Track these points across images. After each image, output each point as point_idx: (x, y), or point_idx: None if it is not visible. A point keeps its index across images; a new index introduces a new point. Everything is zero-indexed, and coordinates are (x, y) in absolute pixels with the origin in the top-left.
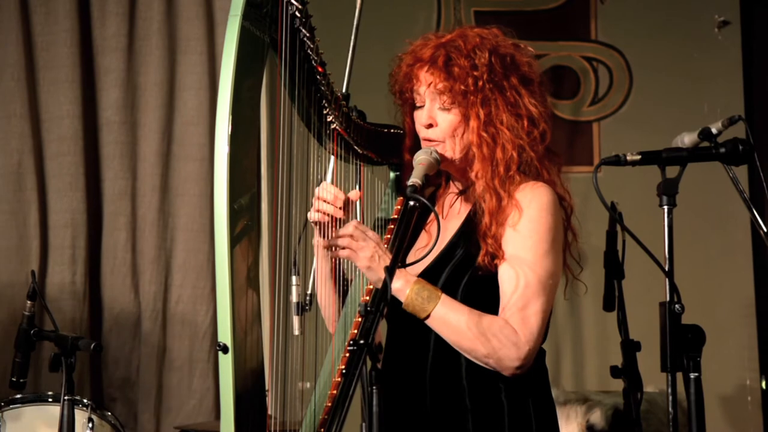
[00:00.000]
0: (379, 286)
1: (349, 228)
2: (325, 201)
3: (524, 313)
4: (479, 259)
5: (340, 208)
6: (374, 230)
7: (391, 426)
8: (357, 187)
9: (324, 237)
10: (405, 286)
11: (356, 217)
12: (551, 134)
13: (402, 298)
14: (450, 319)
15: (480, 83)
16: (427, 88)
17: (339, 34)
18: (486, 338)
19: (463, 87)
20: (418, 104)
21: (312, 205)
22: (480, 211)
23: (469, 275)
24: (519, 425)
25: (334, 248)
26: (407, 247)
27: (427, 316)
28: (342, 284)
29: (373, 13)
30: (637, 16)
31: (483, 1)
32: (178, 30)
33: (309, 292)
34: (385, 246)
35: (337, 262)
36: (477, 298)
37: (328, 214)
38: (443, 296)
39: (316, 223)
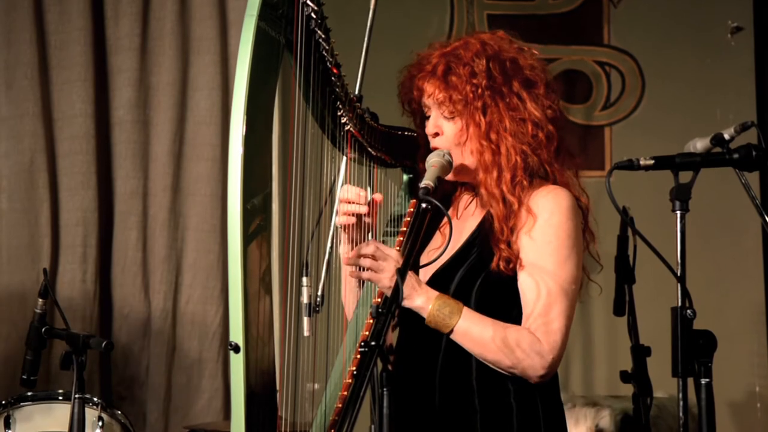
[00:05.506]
0: (404, 304)
1: (370, 248)
2: (349, 202)
3: (547, 322)
4: (493, 264)
5: (364, 206)
6: (385, 233)
7: (399, 425)
8: (369, 189)
9: (351, 242)
10: (426, 303)
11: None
12: (563, 135)
13: (424, 315)
14: (473, 333)
15: (479, 90)
16: (429, 98)
17: (352, 36)
18: (510, 349)
19: (461, 96)
20: (427, 114)
21: (323, 209)
22: (491, 217)
23: (483, 277)
24: (527, 427)
25: (357, 268)
26: (420, 248)
27: (451, 331)
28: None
29: (387, 16)
30: (650, 21)
31: (496, 5)
32: (191, 30)
33: (319, 293)
34: (398, 248)
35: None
36: (491, 301)
37: (353, 214)
38: (465, 310)
39: (343, 228)
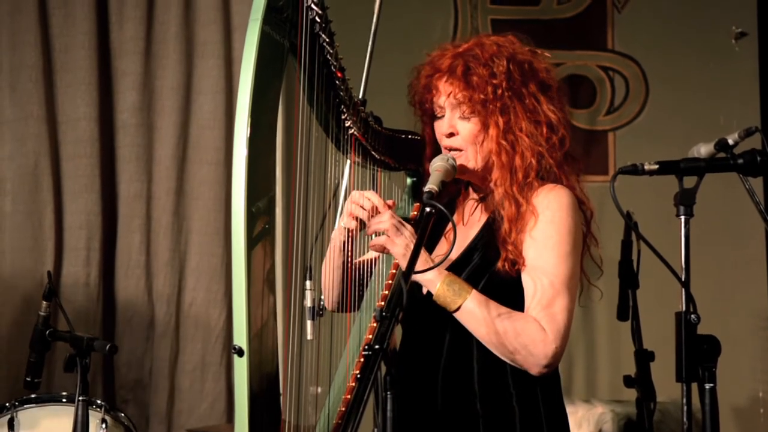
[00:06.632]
0: (414, 278)
1: (386, 217)
2: (361, 207)
3: (550, 311)
4: (499, 264)
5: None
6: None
7: (402, 429)
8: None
9: (347, 241)
10: (437, 279)
11: None
12: (570, 139)
13: (433, 290)
14: (479, 314)
15: (499, 91)
16: (447, 98)
17: (356, 40)
18: (514, 334)
19: (482, 96)
20: (438, 114)
21: (327, 212)
22: (499, 218)
23: (486, 279)
24: (530, 431)
25: (372, 234)
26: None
27: (457, 309)
28: (348, 280)
29: (391, 20)
30: (654, 27)
31: (500, 10)
32: (196, 34)
33: (323, 296)
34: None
35: (347, 258)
36: (495, 301)
37: (361, 220)
38: (474, 291)
39: (348, 230)
